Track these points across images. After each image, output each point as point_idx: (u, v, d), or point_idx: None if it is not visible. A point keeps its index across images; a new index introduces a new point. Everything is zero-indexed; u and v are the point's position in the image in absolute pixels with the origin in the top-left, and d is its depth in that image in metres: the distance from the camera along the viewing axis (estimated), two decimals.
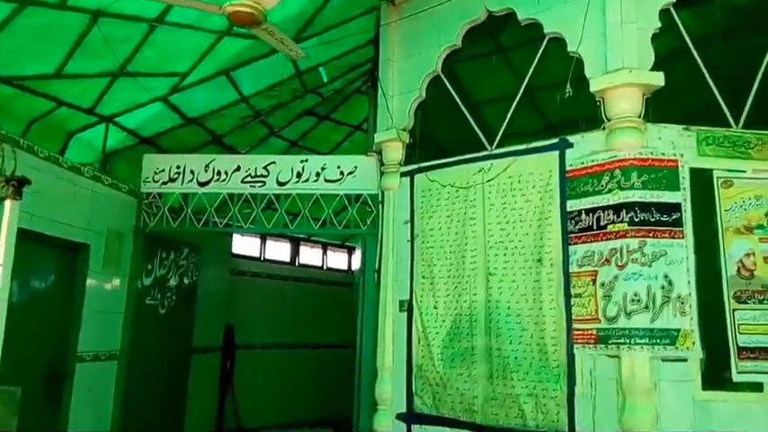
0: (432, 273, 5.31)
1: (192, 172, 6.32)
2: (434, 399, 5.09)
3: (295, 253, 11.51)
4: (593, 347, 4.31)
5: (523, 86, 5.18)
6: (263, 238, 10.81)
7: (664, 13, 4.60)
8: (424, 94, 5.74)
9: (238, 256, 10.11)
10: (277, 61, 6.21)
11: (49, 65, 4.85)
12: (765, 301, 4.16)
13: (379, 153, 6.00)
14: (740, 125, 4.47)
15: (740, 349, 4.10)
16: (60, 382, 5.43)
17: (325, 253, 12.21)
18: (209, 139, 7.52)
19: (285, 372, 10.21)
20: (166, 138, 6.98)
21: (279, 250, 11.20)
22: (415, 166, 5.63)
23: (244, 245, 10.37)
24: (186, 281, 7.61)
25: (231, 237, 9.54)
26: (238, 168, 6.28)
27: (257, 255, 10.73)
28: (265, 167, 6.24)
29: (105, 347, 6.00)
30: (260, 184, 6.21)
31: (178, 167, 6.35)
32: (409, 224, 5.53)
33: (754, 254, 4.23)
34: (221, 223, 6.31)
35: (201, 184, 6.29)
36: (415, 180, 5.60)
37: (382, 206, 5.85)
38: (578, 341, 4.39)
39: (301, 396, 10.19)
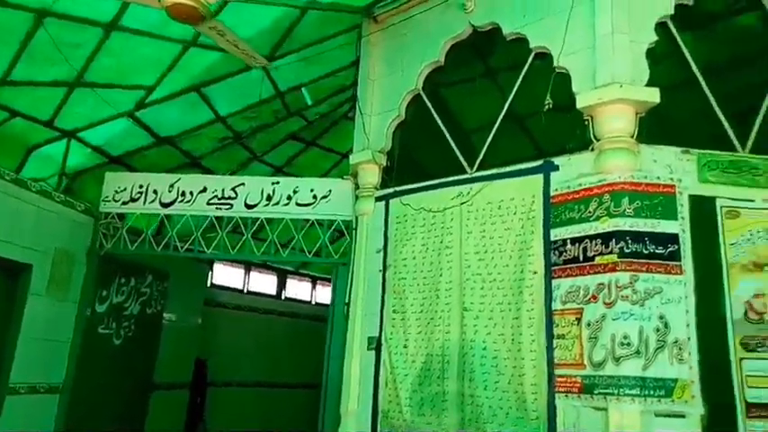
0: (404, 307, 4.79)
1: (155, 192, 5.91)
2: None
3: (281, 286, 11.00)
4: (578, 397, 3.75)
5: (506, 105, 4.77)
6: (248, 269, 10.32)
7: (661, 28, 4.21)
8: (403, 114, 5.35)
9: (218, 286, 9.62)
10: (253, 78, 5.88)
11: None
12: None
13: (356, 176, 5.56)
14: (747, 149, 4.05)
15: (749, 405, 3.55)
16: None
17: (314, 287, 11.69)
18: (185, 162, 7.14)
19: (264, 412, 9.59)
20: (138, 158, 6.62)
21: (264, 282, 10.70)
22: (391, 190, 5.18)
23: (225, 275, 9.88)
24: (149, 310, 7.09)
25: (209, 265, 9.05)
26: (204, 189, 5.86)
27: (240, 286, 10.22)
28: (233, 189, 5.81)
29: (45, 379, 5.48)
30: (227, 206, 5.78)
31: (141, 187, 5.94)
32: (382, 253, 5.05)
33: (764, 294, 3.72)
34: (182, 248, 5.84)
35: (164, 205, 5.86)
36: (390, 205, 5.15)
37: (355, 233, 5.38)
38: (561, 389, 3.84)
39: None
